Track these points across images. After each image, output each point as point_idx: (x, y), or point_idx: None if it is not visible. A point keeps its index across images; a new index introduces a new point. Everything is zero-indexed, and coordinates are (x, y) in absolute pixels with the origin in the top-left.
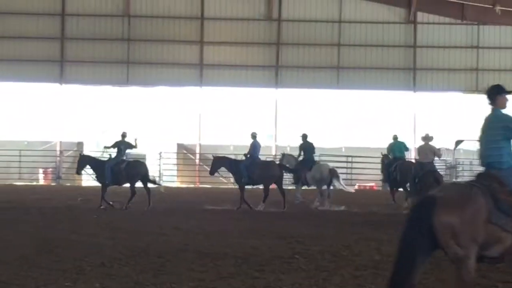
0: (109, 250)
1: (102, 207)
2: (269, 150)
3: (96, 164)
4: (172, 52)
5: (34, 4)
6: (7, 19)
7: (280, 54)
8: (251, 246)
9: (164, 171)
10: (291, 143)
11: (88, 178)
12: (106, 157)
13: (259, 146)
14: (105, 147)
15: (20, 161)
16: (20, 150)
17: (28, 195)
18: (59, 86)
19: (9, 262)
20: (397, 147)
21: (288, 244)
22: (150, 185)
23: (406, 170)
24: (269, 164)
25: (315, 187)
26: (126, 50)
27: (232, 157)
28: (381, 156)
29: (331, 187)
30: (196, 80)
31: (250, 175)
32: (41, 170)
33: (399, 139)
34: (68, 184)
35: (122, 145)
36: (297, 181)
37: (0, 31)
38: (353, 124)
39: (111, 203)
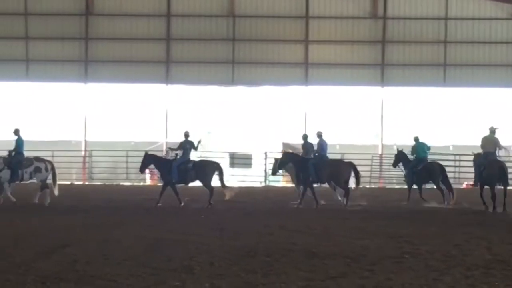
0: (218, 250)
1: (182, 204)
2: (376, 149)
3: (161, 163)
4: (277, 51)
5: (141, 6)
6: (117, 21)
7: (386, 52)
8: (359, 246)
9: (270, 171)
10: (398, 142)
11: None
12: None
13: (326, 144)
14: (170, 149)
15: (127, 162)
16: (127, 150)
17: (135, 196)
18: (164, 87)
19: (119, 262)
20: (420, 148)
21: (397, 244)
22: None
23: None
24: (338, 162)
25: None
26: (231, 50)
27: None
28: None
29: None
30: (301, 79)
31: (318, 173)
32: (147, 171)
33: (420, 140)
34: None
35: (187, 144)
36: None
37: (110, 33)
38: (461, 122)
39: (182, 203)
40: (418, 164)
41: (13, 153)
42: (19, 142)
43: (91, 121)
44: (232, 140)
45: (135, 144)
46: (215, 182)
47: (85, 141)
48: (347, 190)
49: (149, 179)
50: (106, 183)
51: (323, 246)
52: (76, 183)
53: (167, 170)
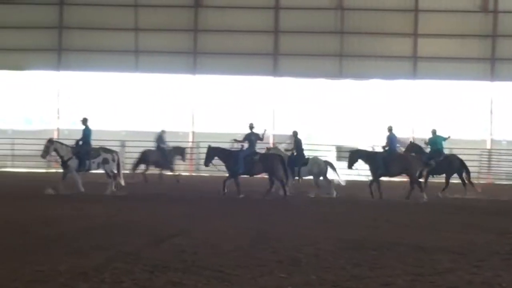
0: (324, 242)
1: (241, 195)
2: (484, 144)
3: (226, 154)
4: (385, 44)
5: None
6: (226, 13)
7: (496, 47)
8: (467, 241)
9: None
10: (507, 137)
11: None
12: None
13: (395, 138)
14: (236, 140)
15: None
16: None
17: (242, 187)
18: (272, 79)
19: (225, 252)
20: (439, 141)
21: (506, 240)
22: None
23: None
24: (405, 157)
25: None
26: (339, 42)
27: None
28: None
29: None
30: (410, 73)
31: (387, 167)
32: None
33: (437, 133)
34: None
35: (252, 136)
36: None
37: (219, 25)
38: None
39: (225, 190)
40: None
41: (80, 142)
42: (87, 132)
43: (199, 112)
44: (339, 133)
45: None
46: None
47: (193, 132)
48: (419, 184)
49: None
50: (213, 175)
51: (430, 240)
52: (183, 174)
53: (233, 162)
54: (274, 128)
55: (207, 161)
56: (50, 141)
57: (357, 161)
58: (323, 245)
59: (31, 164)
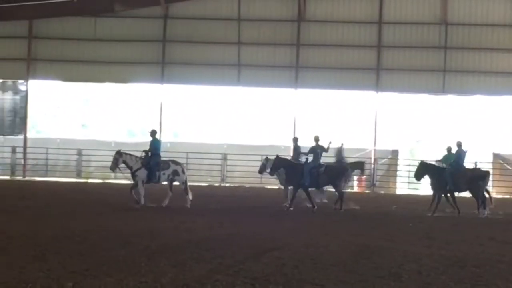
0: (426, 258)
1: (291, 208)
2: None
3: (291, 166)
4: (490, 60)
5: (352, 13)
6: (328, 27)
7: None
8: None
9: None
10: None
11: (402, 186)
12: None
13: (464, 154)
14: (302, 153)
15: None
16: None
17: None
18: (374, 94)
19: (326, 267)
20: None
21: None
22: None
23: None
24: (473, 171)
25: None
26: (442, 58)
27: None
28: None
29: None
30: None
31: (456, 182)
32: (355, 177)
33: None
34: (382, 192)
35: (318, 149)
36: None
37: (321, 40)
38: None
39: (310, 205)
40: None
41: (149, 153)
42: (156, 144)
43: (300, 126)
44: (440, 149)
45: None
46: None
47: (294, 146)
48: (483, 199)
49: (356, 186)
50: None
51: None
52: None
53: (299, 174)
54: (375, 144)
55: (273, 171)
56: (119, 153)
57: (424, 174)
58: (426, 261)
59: None
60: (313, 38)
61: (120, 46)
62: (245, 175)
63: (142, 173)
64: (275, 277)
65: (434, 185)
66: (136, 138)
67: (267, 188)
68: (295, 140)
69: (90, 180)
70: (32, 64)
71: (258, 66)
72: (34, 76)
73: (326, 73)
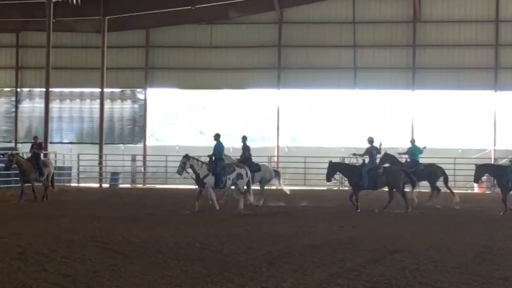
0: None
1: (358, 210)
2: None
3: (348, 169)
4: None
5: (468, 11)
6: (444, 27)
7: None
8: None
9: None
10: None
11: None
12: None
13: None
14: (355, 155)
15: (454, 169)
16: (455, 158)
17: (463, 204)
18: (493, 93)
19: (448, 269)
20: (416, 151)
21: None
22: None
23: None
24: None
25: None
26: None
27: None
28: None
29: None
30: None
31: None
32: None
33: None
34: None
35: (374, 150)
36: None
37: (438, 40)
38: None
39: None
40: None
41: (213, 158)
42: (220, 148)
43: (418, 127)
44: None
45: (462, 152)
46: None
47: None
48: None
49: (477, 187)
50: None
51: None
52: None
53: (357, 176)
54: (495, 144)
55: (329, 177)
56: (186, 157)
57: (483, 175)
58: None
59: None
60: (429, 39)
61: (236, 52)
62: None
63: (210, 180)
64: (396, 280)
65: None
66: (254, 144)
67: (384, 190)
68: (244, 138)
69: None
70: (149, 73)
71: (374, 68)
72: (152, 85)
73: (444, 74)
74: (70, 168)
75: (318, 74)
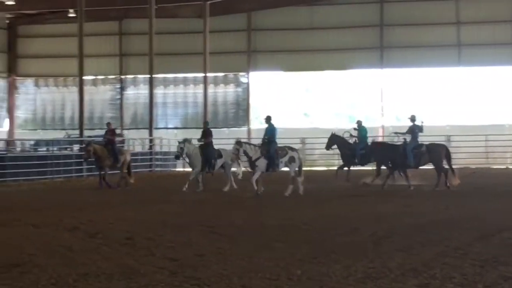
0: None
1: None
2: None
3: (393, 149)
4: None
5: None
6: None
7: None
8: None
9: None
10: None
11: None
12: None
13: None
14: (396, 133)
15: None
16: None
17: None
18: None
19: None
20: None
21: None
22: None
23: None
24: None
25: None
26: None
27: None
28: None
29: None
30: None
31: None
32: None
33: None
34: None
35: (416, 129)
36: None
37: None
38: None
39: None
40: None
41: (266, 140)
42: (272, 130)
43: None
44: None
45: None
46: None
47: None
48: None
49: None
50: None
51: None
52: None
53: (403, 155)
54: None
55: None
56: (239, 143)
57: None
58: None
59: None
60: None
61: (337, 33)
62: (470, 156)
63: (262, 163)
64: (505, 258)
65: None
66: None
67: (492, 168)
68: (206, 123)
69: (314, 168)
70: (252, 56)
71: (478, 45)
72: (255, 68)
73: None
74: None
75: (421, 53)
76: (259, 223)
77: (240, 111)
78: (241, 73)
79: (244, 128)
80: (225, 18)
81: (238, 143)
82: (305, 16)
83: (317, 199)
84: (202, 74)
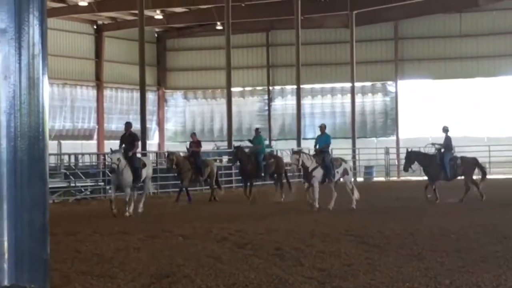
0: None
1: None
2: None
3: (427, 160)
4: None
5: None
6: None
7: None
8: None
9: None
10: None
11: None
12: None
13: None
14: (433, 144)
15: None
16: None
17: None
18: None
19: None
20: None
21: None
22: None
23: None
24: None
25: None
26: None
27: None
28: None
29: None
30: None
31: None
32: None
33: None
34: None
35: (450, 140)
36: None
37: None
38: None
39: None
40: None
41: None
42: (326, 140)
43: None
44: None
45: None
46: None
47: None
48: None
49: None
50: None
51: None
52: None
53: (438, 167)
54: None
55: (407, 166)
56: (298, 153)
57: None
58: None
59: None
60: None
61: (486, 40)
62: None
63: (318, 173)
64: None
65: None
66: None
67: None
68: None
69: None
70: (399, 65)
71: None
72: (402, 77)
73: None
74: None
75: None
76: (409, 232)
77: (388, 120)
78: (388, 82)
79: (393, 138)
80: (372, 27)
81: (297, 152)
82: (453, 23)
83: (467, 208)
84: (349, 84)
